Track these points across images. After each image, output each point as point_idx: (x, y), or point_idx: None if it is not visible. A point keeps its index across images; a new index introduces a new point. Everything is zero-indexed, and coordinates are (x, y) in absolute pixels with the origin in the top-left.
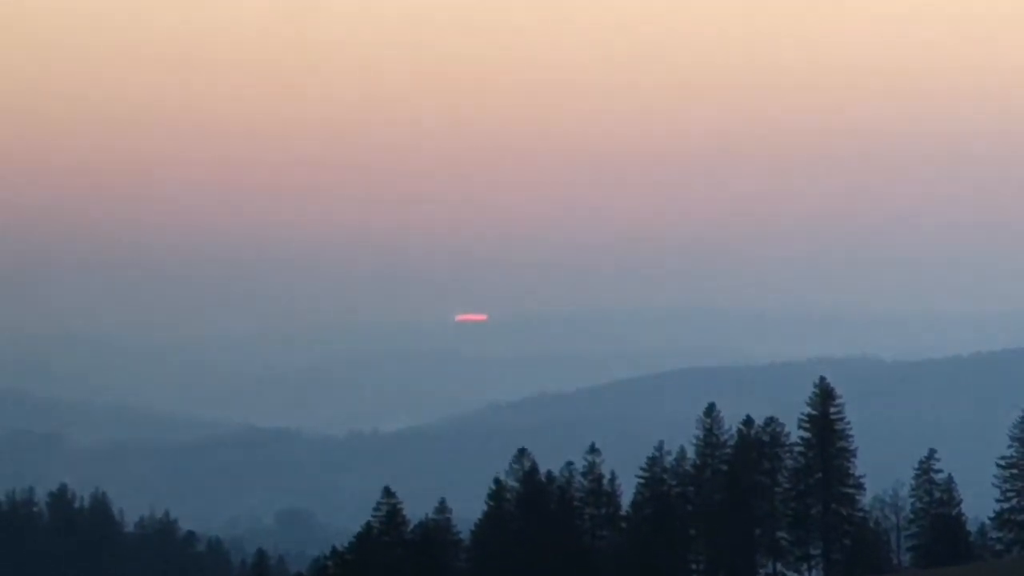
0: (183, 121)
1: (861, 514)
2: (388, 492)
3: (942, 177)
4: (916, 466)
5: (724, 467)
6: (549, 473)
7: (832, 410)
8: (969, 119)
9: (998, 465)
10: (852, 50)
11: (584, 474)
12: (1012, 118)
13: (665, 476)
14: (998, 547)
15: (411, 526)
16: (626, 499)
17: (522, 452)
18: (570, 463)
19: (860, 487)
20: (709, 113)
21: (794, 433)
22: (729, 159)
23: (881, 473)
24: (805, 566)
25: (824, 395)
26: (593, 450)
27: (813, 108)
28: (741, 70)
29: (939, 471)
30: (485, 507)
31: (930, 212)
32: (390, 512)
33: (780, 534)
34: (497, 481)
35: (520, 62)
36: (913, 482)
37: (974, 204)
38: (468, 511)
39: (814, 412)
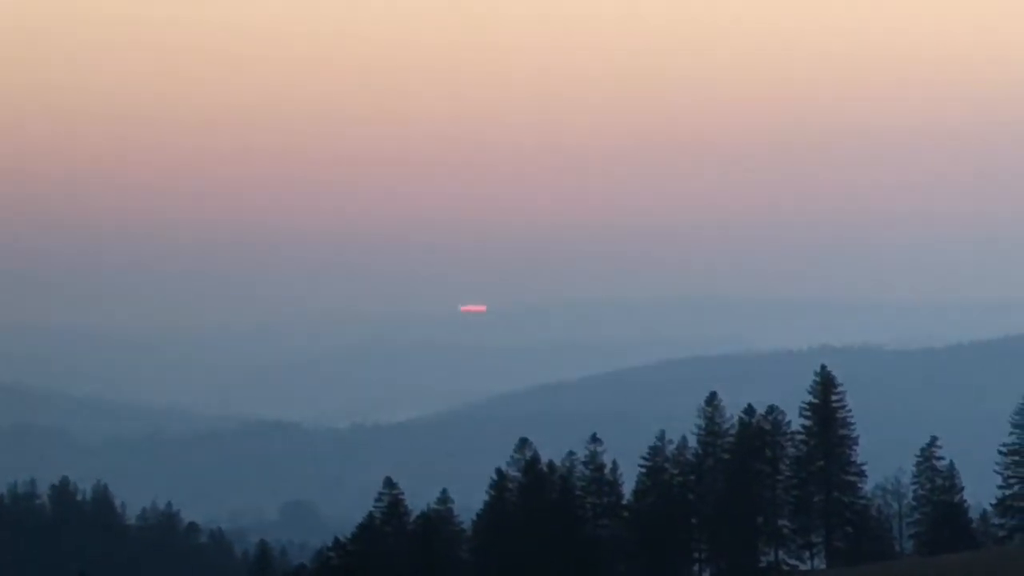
0: (184, 114)
1: (863, 501)
2: (390, 483)
3: (939, 167)
4: (918, 453)
5: (726, 456)
6: (551, 463)
7: (833, 398)
8: (967, 109)
9: (999, 452)
10: (854, 39)
11: (586, 463)
12: (1012, 108)
13: (667, 465)
14: (1000, 534)
15: (413, 516)
16: (628, 488)
17: (524, 442)
18: (572, 453)
19: (862, 475)
20: (710, 103)
21: (795, 422)
22: (732, 149)
23: (883, 461)
24: (807, 554)
25: (825, 383)
26: (595, 439)
27: (812, 100)
28: (745, 58)
29: (941, 458)
30: (487, 497)
31: (930, 202)
32: (392, 503)
33: (782, 522)
34: (499, 471)
35: (519, 55)
36: (915, 469)
37: (973, 194)
38: (470, 501)
39: (815, 400)
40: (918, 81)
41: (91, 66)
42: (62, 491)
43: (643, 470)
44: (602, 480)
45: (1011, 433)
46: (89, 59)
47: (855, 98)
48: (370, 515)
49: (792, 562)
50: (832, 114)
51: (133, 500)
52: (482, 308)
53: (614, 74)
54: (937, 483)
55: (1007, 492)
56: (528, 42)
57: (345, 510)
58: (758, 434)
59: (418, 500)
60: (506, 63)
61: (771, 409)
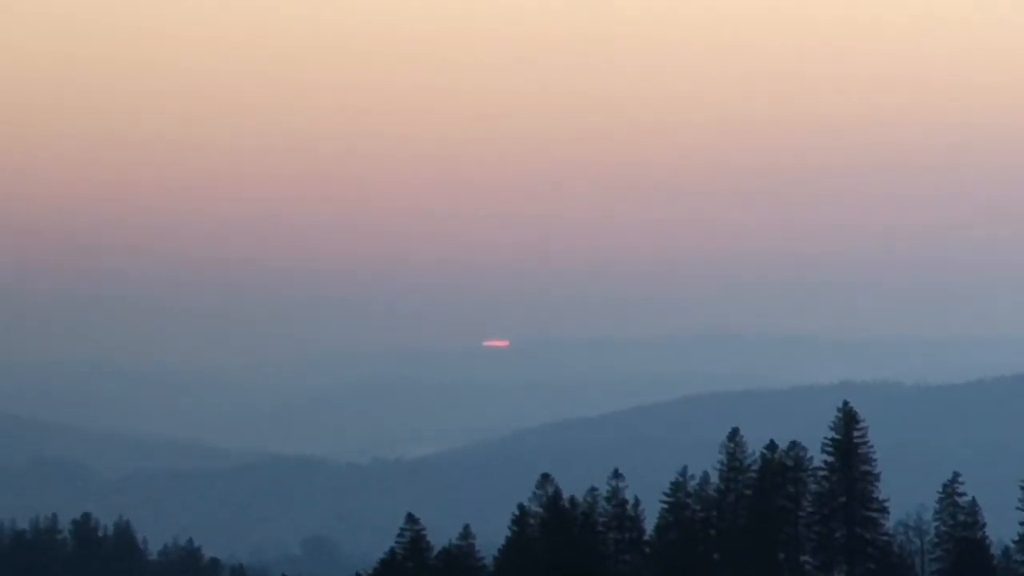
0: (205, 147)
1: (885, 538)
2: (411, 518)
3: (959, 200)
4: (940, 489)
5: (748, 492)
6: (572, 498)
7: (855, 434)
8: (983, 142)
9: (1021, 488)
10: (868, 65)
11: (608, 499)
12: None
13: (689, 501)
14: (1022, 570)
15: (435, 552)
16: (650, 524)
17: (545, 477)
18: (593, 488)
19: (884, 511)
20: (729, 139)
21: (817, 457)
22: (749, 184)
23: (905, 497)
24: None
25: (847, 419)
26: (616, 475)
27: (828, 134)
28: (764, 93)
29: (963, 494)
30: (509, 533)
31: (951, 236)
32: (413, 538)
33: (804, 558)
34: (520, 507)
35: (541, 88)
36: (937, 505)
37: (995, 228)
38: (492, 537)
39: (837, 436)
40: (930, 111)
41: (103, 96)
42: (84, 526)
43: (665, 506)
44: (624, 516)
45: None
46: (101, 89)
47: (871, 132)
48: (392, 551)
49: None
50: (850, 149)
51: (155, 535)
52: (504, 344)
53: (632, 112)
54: (959, 519)
55: None
56: (539, 79)
57: (367, 546)
58: (780, 470)
59: (440, 536)
60: (525, 96)
61: (793, 445)
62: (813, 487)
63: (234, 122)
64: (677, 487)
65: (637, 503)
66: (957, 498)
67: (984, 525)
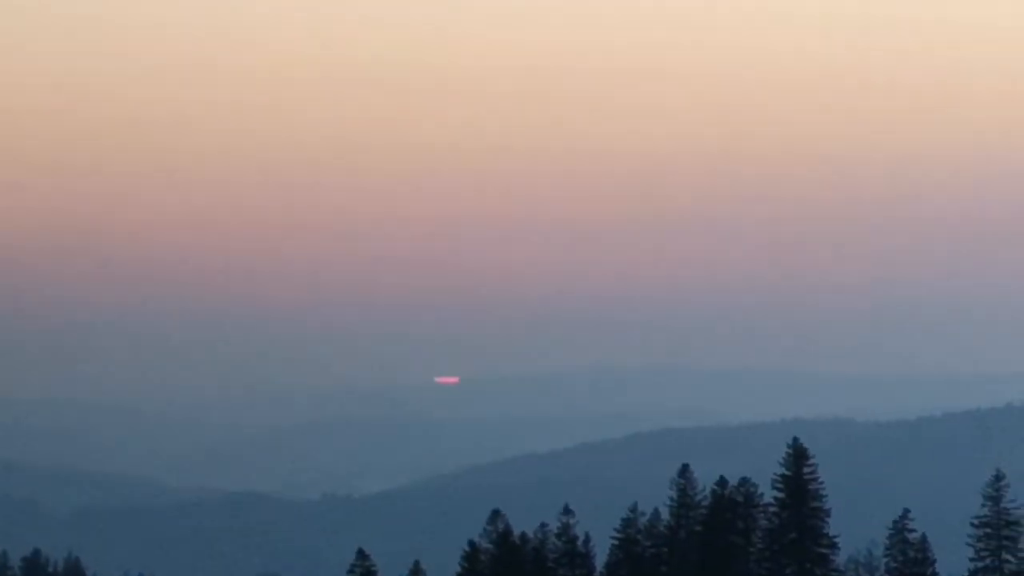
0: (169, 182)
1: (836, 574)
2: (362, 554)
3: (911, 241)
4: (890, 526)
5: (698, 528)
6: (523, 534)
7: (806, 470)
8: (939, 180)
9: (971, 524)
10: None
11: (558, 535)
12: (998, 179)
13: (639, 537)
14: None
15: None
16: (600, 560)
17: (496, 513)
18: (544, 524)
19: (834, 547)
20: (685, 176)
21: (768, 494)
22: (698, 221)
23: (855, 533)
24: None
25: (798, 455)
26: (567, 511)
27: (783, 172)
28: (726, 136)
29: (913, 531)
30: (459, 569)
31: (900, 275)
32: (363, 574)
33: None
34: (471, 543)
35: (498, 126)
36: (887, 542)
37: (944, 268)
38: (443, 573)
39: (788, 472)
40: (883, 150)
41: (78, 103)
42: (33, 563)
43: (615, 542)
44: (575, 552)
45: (983, 505)
46: (78, 96)
47: (811, 166)
48: None
49: None
50: (799, 187)
51: (104, 572)
52: (455, 380)
53: (595, 147)
54: (909, 555)
55: (979, 565)
56: (510, 112)
57: None
58: (730, 506)
59: (391, 572)
60: (486, 136)
61: (743, 481)
62: (764, 523)
63: (191, 165)
64: (627, 523)
65: (588, 539)
66: (907, 534)
67: (934, 562)
